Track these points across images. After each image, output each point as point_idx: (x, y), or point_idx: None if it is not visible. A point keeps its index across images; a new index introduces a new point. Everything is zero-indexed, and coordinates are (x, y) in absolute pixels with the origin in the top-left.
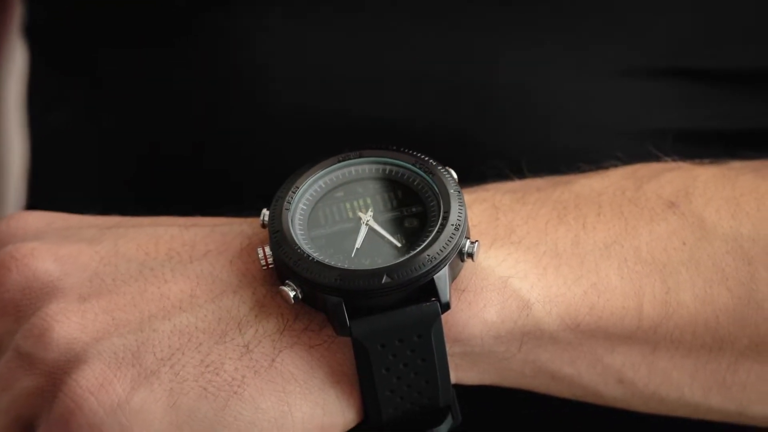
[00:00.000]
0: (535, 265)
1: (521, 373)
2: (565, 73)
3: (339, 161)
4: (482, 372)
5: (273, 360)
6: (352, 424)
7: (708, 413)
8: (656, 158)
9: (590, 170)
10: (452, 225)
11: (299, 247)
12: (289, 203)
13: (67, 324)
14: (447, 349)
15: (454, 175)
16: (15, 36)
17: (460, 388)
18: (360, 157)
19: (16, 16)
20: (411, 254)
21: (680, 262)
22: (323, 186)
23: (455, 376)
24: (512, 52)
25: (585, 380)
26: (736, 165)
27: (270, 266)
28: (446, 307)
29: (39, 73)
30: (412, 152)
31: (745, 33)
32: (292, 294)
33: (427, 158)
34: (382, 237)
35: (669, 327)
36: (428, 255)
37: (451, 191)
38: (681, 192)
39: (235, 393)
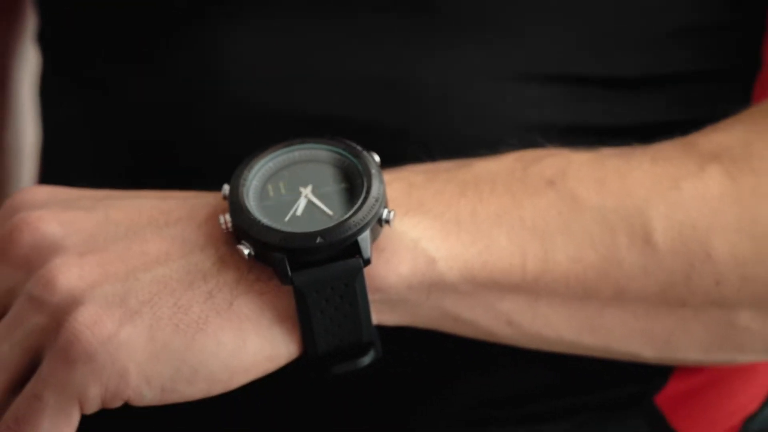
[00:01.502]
0: (440, 230)
1: (430, 317)
2: (475, 75)
3: (286, 146)
4: (399, 315)
5: (231, 304)
6: (293, 356)
7: (581, 350)
8: (542, 146)
9: (489, 155)
10: (373, 197)
11: (252, 214)
12: (245, 180)
13: (69, 274)
14: (369, 296)
15: (377, 159)
16: (28, 37)
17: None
18: (302, 143)
19: (30, 21)
20: (340, 220)
21: (556, 229)
22: (272, 166)
23: (377, 318)
24: (433, 57)
25: (482, 323)
26: (606, 151)
27: (229, 230)
28: (367, 262)
29: (46, 74)
30: (344, 140)
31: (624, 44)
32: (246, 252)
33: (355, 145)
34: (318, 207)
35: (547, 280)
36: (353, 221)
37: (373, 171)
38: (559, 173)
39: (201, 329)
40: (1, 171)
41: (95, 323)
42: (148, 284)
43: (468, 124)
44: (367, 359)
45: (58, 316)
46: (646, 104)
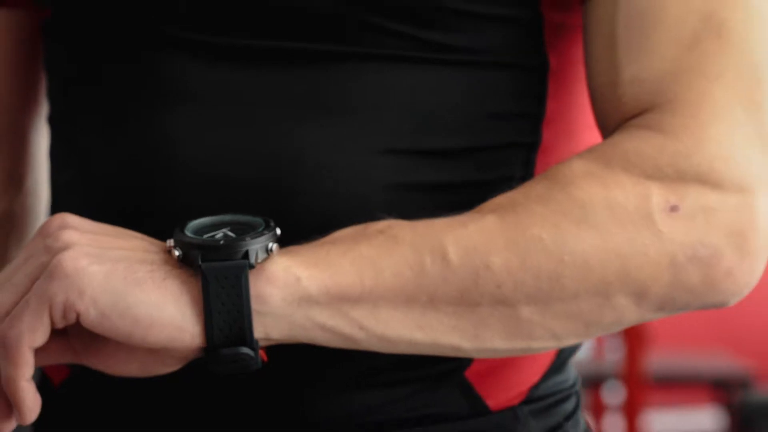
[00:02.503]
0: (304, 262)
1: (304, 327)
2: (348, 150)
3: (221, 214)
4: (280, 329)
5: (164, 279)
6: (197, 338)
7: (418, 348)
8: (381, 217)
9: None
10: (265, 236)
11: (184, 234)
12: (184, 226)
13: (70, 234)
14: (255, 305)
15: (278, 231)
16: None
17: None
18: (232, 214)
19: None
20: (238, 238)
21: (383, 257)
22: (206, 221)
23: (264, 332)
24: (318, 137)
25: (343, 329)
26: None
27: (171, 248)
28: (252, 266)
29: (51, 144)
30: (264, 217)
31: (451, 125)
32: (177, 254)
33: (269, 220)
34: (229, 235)
35: (380, 291)
36: (247, 240)
37: (272, 225)
38: (386, 227)
39: (139, 285)
40: (28, 212)
41: (75, 259)
42: (117, 254)
43: (343, 185)
44: (247, 350)
45: (55, 253)
46: (465, 167)
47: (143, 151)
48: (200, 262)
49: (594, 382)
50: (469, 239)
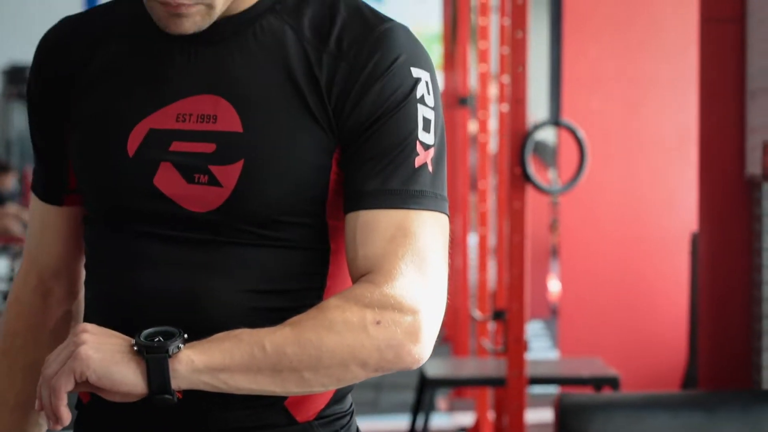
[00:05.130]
0: (196, 352)
1: (195, 383)
2: (222, 293)
3: (155, 328)
4: (184, 383)
5: (129, 361)
6: (144, 390)
7: (255, 392)
8: (239, 326)
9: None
10: (179, 339)
11: (139, 338)
12: (140, 332)
13: (84, 337)
14: (171, 374)
15: (185, 336)
16: None
17: None
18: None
19: None
20: (164, 342)
21: (235, 348)
22: (152, 330)
23: (176, 386)
24: (205, 277)
25: (216, 384)
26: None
27: (133, 345)
28: (170, 355)
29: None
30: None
31: (277, 278)
32: (135, 348)
33: (177, 329)
34: (160, 340)
35: (234, 366)
36: (168, 343)
37: (182, 335)
38: (240, 332)
39: (117, 364)
40: (80, 313)
41: (85, 350)
42: (106, 347)
43: (223, 309)
44: (168, 396)
45: (76, 346)
46: (285, 299)
47: (123, 291)
48: (146, 354)
49: None
50: (276, 339)
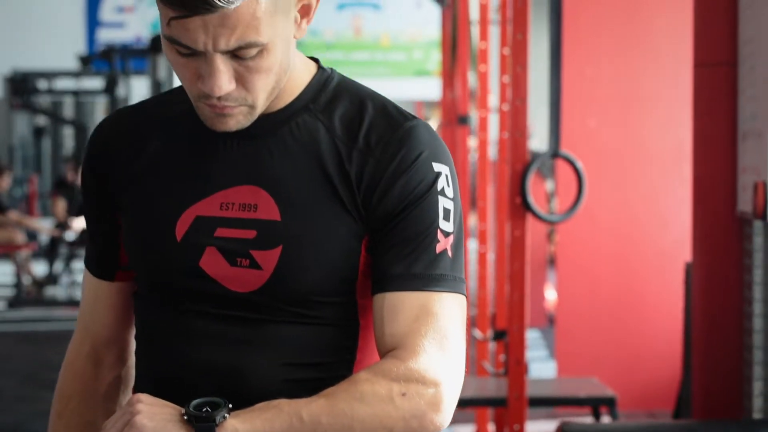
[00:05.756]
0: (241, 421)
1: None
2: (262, 365)
3: (203, 398)
4: None
5: (180, 429)
6: None
7: None
8: (277, 396)
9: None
10: (224, 410)
11: (189, 409)
12: (190, 402)
13: (139, 407)
14: None
15: (230, 405)
16: None
17: None
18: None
19: None
20: (212, 413)
21: (275, 418)
22: (201, 400)
23: None
24: (245, 353)
25: None
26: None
27: (183, 414)
28: (217, 424)
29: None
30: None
31: (312, 351)
32: (185, 417)
33: (223, 399)
34: (208, 410)
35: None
36: (215, 413)
37: (227, 405)
38: (278, 402)
39: (168, 431)
40: (130, 378)
41: (140, 419)
42: (159, 416)
43: (263, 381)
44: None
45: (132, 414)
46: (320, 371)
47: (172, 363)
48: (195, 423)
49: None
50: (313, 409)
